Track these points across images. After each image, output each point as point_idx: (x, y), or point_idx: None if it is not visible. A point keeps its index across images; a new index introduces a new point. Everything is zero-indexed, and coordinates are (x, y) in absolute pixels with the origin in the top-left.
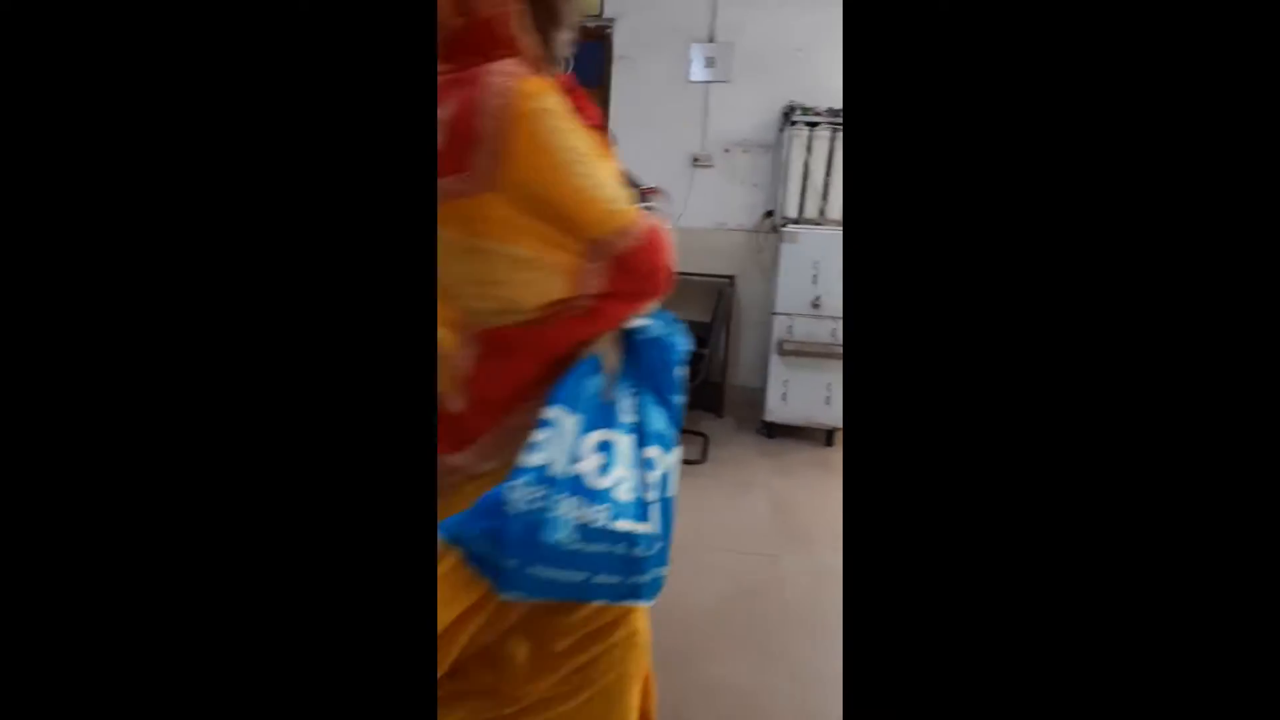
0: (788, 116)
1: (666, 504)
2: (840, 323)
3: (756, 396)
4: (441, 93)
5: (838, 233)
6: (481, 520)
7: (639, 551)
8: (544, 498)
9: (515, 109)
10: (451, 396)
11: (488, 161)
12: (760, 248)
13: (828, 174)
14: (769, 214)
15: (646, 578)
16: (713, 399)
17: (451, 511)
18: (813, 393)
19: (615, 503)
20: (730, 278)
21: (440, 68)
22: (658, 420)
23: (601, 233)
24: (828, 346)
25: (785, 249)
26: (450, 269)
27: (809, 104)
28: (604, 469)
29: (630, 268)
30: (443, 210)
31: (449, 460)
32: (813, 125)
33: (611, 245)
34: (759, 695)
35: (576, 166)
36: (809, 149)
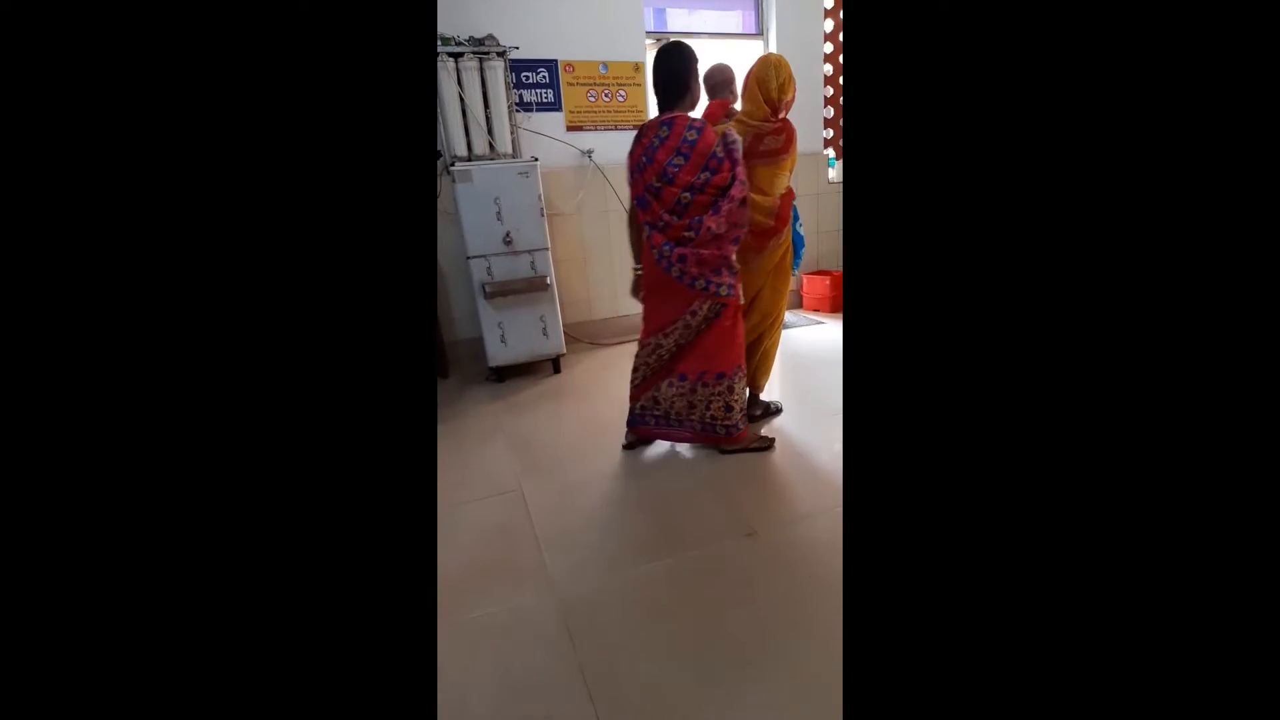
0: None
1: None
2: (535, 255)
3: (477, 346)
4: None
5: (510, 165)
6: (799, 243)
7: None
8: (798, 234)
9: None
10: (768, 218)
11: (780, 149)
12: (437, 191)
13: (486, 107)
14: (437, 155)
15: (800, 251)
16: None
17: (781, 249)
18: (529, 328)
19: (796, 233)
20: None
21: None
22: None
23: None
24: (530, 280)
25: (461, 189)
26: (774, 180)
27: (448, 33)
28: (798, 223)
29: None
30: (769, 165)
31: (776, 236)
32: (456, 56)
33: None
34: (521, 619)
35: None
36: (460, 82)
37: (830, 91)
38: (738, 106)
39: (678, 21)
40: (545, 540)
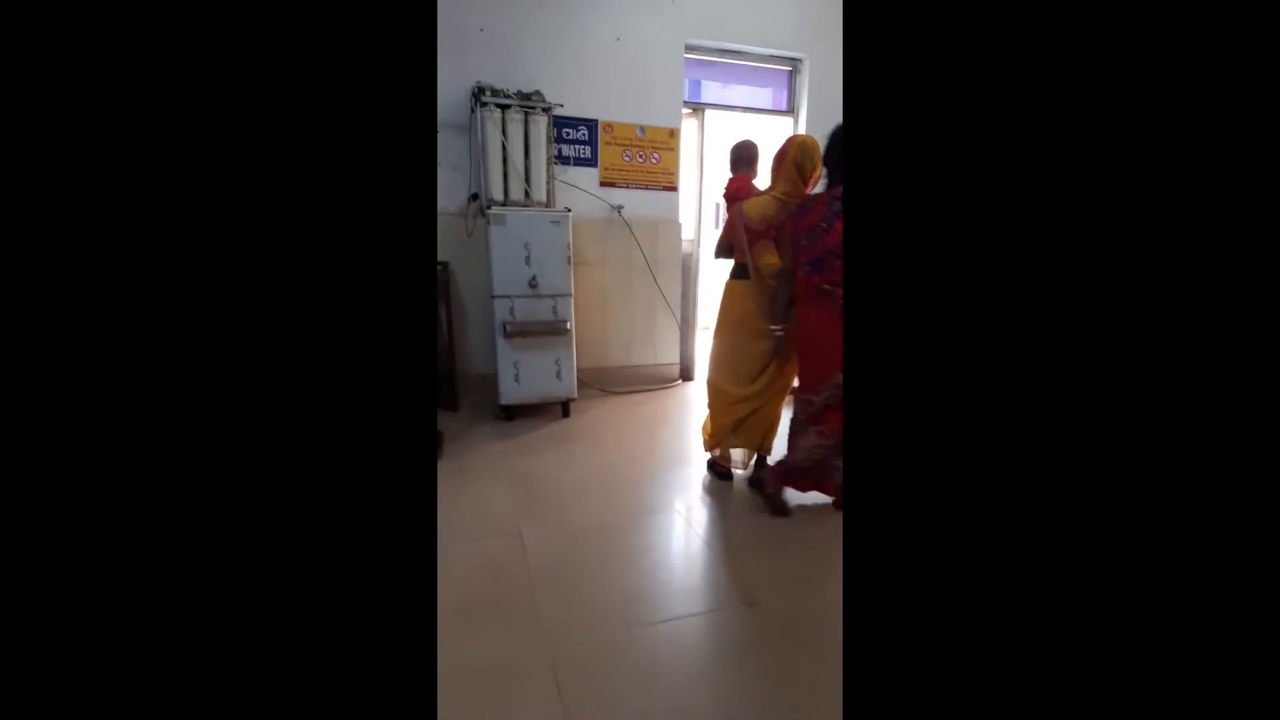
0: (477, 97)
1: None
2: (558, 300)
3: (489, 383)
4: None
5: (543, 214)
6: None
7: None
8: None
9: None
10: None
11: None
12: (469, 231)
13: (527, 156)
14: (474, 197)
15: None
16: (443, 391)
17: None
18: (544, 370)
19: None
20: (444, 264)
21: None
22: None
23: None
24: (550, 324)
25: (494, 231)
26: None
27: (498, 85)
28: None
29: None
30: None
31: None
32: (504, 108)
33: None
34: (507, 665)
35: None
36: (504, 132)
37: None
38: (756, 183)
39: (713, 94)
40: (540, 587)
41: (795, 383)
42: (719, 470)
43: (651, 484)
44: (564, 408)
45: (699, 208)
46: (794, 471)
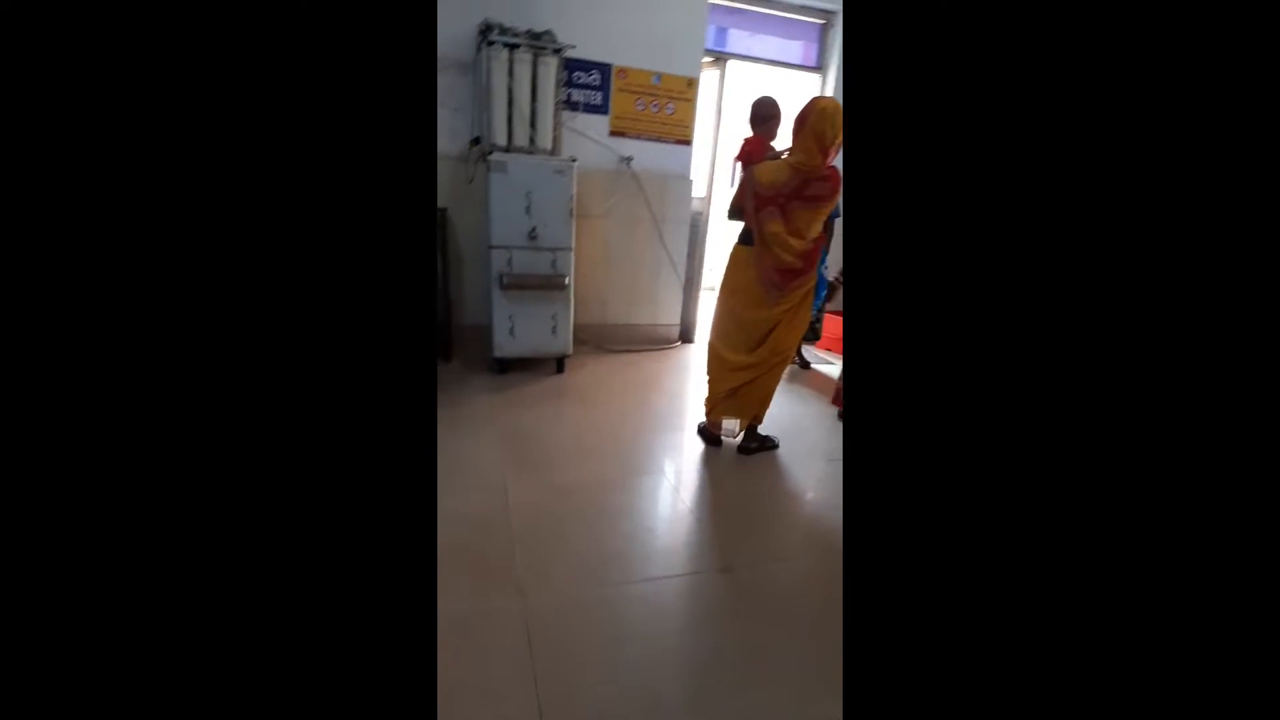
0: (485, 35)
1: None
2: (558, 253)
3: (484, 334)
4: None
5: (547, 163)
6: (821, 285)
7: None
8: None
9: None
10: (798, 260)
11: (825, 195)
12: (471, 178)
13: (534, 100)
14: (476, 140)
15: (821, 293)
16: (437, 341)
17: (804, 290)
18: (539, 325)
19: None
20: (442, 210)
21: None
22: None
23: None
24: (548, 278)
25: (494, 179)
26: (812, 223)
27: (507, 24)
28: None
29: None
30: (811, 209)
31: (802, 276)
32: (512, 47)
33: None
34: (482, 619)
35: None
36: (511, 73)
37: None
38: (775, 145)
39: (739, 44)
40: (520, 542)
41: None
42: (709, 437)
43: (640, 446)
44: (559, 363)
45: (713, 164)
46: None
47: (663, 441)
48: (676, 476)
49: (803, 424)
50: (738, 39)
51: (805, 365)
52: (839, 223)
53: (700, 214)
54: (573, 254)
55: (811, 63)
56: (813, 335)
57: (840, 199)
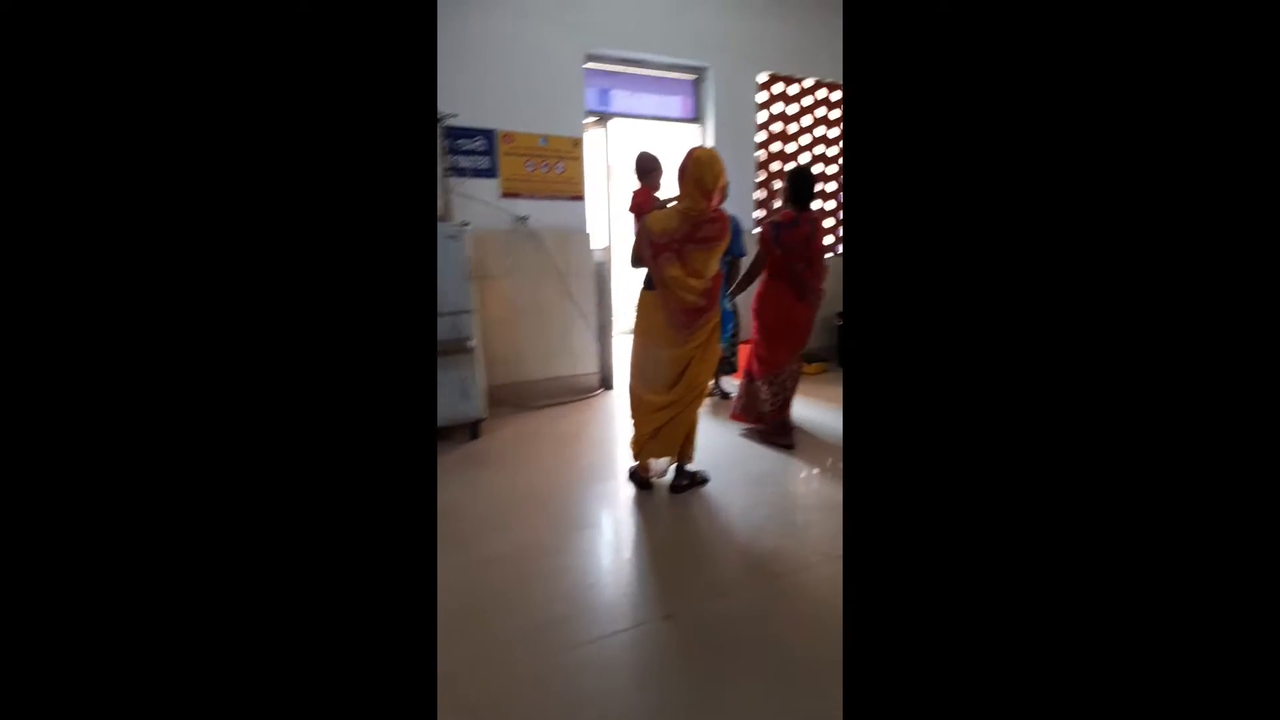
0: None
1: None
2: (458, 317)
3: None
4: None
5: (441, 228)
6: (726, 320)
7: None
8: (726, 311)
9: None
10: (700, 299)
11: (715, 235)
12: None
13: None
14: None
15: (728, 326)
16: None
17: (710, 327)
18: (447, 390)
19: (725, 309)
20: None
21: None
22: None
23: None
24: (451, 342)
25: None
26: (708, 263)
27: None
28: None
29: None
30: (705, 250)
31: (706, 314)
32: None
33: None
34: None
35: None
36: None
37: (763, 175)
38: (659, 194)
39: (621, 103)
40: (444, 630)
41: (709, 386)
42: (640, 480)
43: (571, 501)
44: (473, 429)
45: (609, 215)
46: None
47: (595, 493)
48: (613, 527)
49: (730, 453)
50: (620, 98)
51: (725, 396)
52: (745, 260)
53: (604, 263)
54: (474, 316)
55: (689, 115)
56: (728, 368)
57: (729, 238)
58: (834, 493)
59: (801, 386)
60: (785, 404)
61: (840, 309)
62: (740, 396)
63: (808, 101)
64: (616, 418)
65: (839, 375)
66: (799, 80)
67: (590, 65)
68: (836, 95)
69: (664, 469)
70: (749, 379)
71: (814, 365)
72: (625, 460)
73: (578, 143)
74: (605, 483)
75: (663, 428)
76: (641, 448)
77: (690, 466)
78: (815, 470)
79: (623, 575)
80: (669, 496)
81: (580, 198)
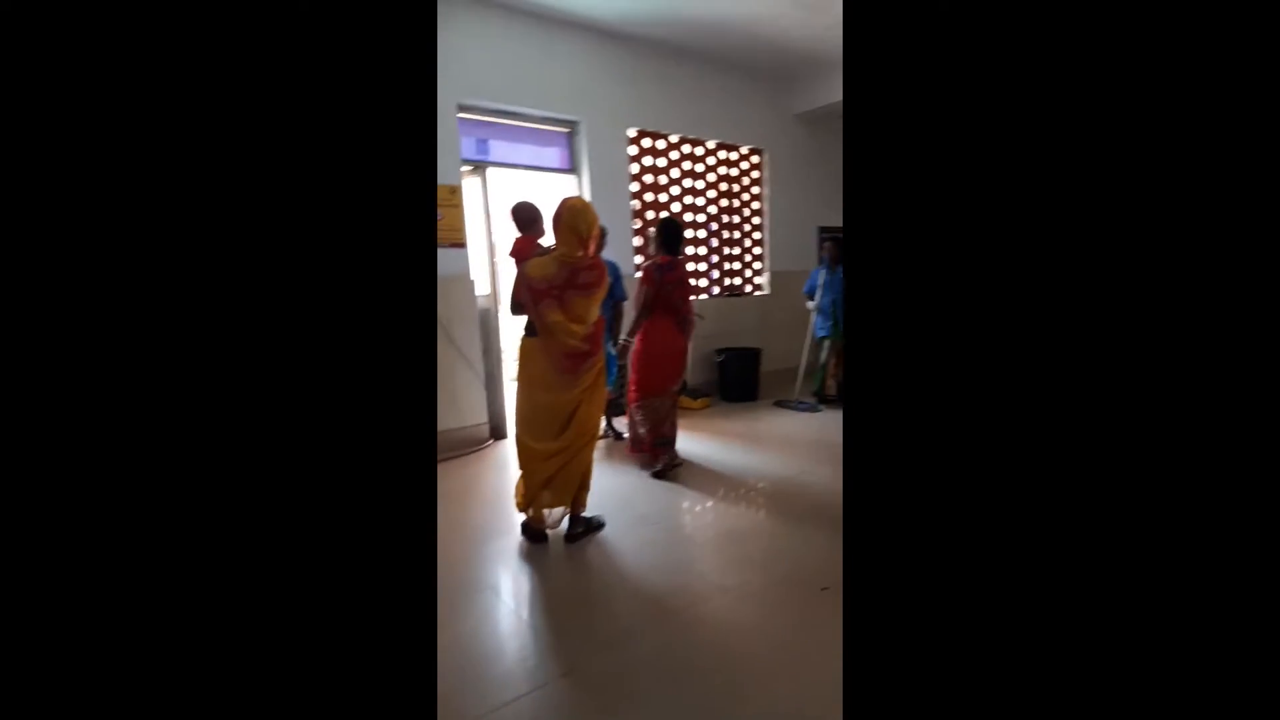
0: None
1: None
2: None
3: None
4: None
5: None
6: (611, 363)
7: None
8: (611, 355)
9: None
10: (584, 344)
11: (594, 282)
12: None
13: None
14: None
15: (613, 369)
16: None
17: (595, 370)
18: None
19: (609, 353)
20: None
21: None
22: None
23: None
24: None
25: None
26: (589, 308)
27: None
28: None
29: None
30: (585, 296)
31: (590, 359)
32: None
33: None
34: None
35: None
36: None
37: (638, 224)
38: (541, 242)
39: (500, 153)
40: None
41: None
42: (532, 532)
43: (462, 563)
44: None
45: (491, 262)
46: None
47: (487, 552)
48: (510, 587)
49: (624, 494)
50: (499, 148)
51: (619, 437)
52: (627, 304)
53: (488, 310)
54: None
55: (566, 166)
56: (617, 409)
57: (609, 284)
58: (724, 524)
59: (688, 421)
60: (658, 425)
61: (718, 346)
62: (629, 430)
63: (675, 155)
64: (509, 469)
65: (723, 410)
66: (665, 135)
67: (463, 115)
68: (700, 150)
69: (558, 519)
70: (628, 409)
71: (699, 400)
72: (518, 514)
73: (455, 190)
74: (499, 540)
75: (554, 476)
76: (533, 499)
77: (585, 513)
78: (707, 503)
79: (521, 637)
80: (565, 547)
81: (462, 245)
